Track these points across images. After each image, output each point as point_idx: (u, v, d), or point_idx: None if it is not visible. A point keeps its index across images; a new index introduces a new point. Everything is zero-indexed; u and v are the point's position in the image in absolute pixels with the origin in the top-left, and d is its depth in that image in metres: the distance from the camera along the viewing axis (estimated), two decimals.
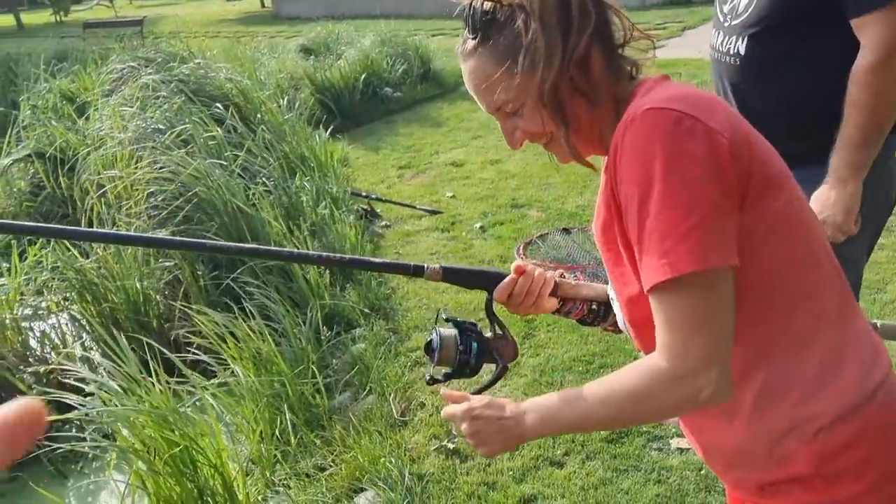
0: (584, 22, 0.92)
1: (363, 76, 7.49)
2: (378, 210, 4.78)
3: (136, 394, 2.25)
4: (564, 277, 1.23)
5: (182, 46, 6.90)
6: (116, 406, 2.26)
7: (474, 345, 1.12)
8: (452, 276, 1.16)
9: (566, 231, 4.20)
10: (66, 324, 3.47)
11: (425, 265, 1.15)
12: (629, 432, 2.44)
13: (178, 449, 2.21)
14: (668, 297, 0.84)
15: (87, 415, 2.31)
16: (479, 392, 1.11)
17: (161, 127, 4.18)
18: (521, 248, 4.07)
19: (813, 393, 0.89)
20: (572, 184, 4.85)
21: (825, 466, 0.88)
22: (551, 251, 3.98)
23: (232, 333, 2.82)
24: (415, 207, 4.75)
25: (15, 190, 5.42)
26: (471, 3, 0.95)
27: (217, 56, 7.21)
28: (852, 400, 0.88)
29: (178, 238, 1.54)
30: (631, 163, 0.84)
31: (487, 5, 0.94)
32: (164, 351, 2.66)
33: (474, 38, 0.96)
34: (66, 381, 2.99)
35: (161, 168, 3.61)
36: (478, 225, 4.42)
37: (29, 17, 28.06)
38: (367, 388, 2.85)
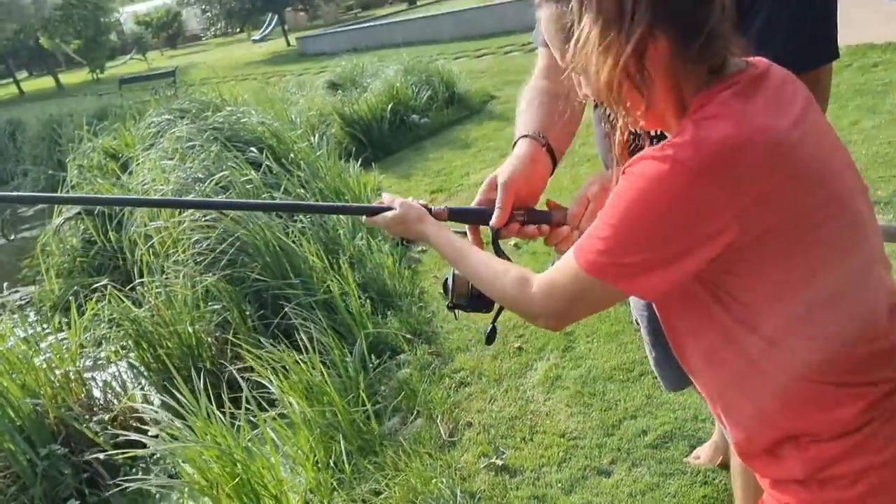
0: (644, 6, 0.86)
1: (390, 106, 7.65)
2: None
3: (197, 429, 2.37)
4: None
5: (214, 94, 7.16)
6: (180, 443, 2.38)
7: None
8: (456, 216, 1.32)
9: None
10: (126, 371, 3.64)
11: (431, 207, 1.30)
12: (673, 436, 2.48)
13: (240, 482, 2.32)
14: (574, 268, 0.95)
15: (153, 454, 2.44)
16: (492, 322, 1.33)
17: (201, 176, 4.37)
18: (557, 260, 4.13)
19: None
20: None
21: (818, 473, 0.93)
22: None
23: (283, 367, 2.94)
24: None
25: (68, 247, 5.68)
26: None
27: (248, 100, 7.45)
28: (851, 423, 0.92)
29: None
30: (619, 190, 0.90)
31: None
32: (219, 389, 2.79)
33: None
34: (130, 424, 3.15)
35: (204, 216, 3.78)
36: (512, 242, 4.49)
37: (67, 77, 29.21)
38: (415, 411, 2.94)
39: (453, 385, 3.10)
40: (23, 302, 5.69)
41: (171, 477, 2.73)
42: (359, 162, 5.98)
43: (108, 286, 3.72)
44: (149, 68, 25.05)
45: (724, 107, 0.87)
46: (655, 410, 2.64)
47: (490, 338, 1.32)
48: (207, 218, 3.77)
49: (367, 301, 3.61)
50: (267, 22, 28.76)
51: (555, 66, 1.52)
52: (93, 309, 3.77)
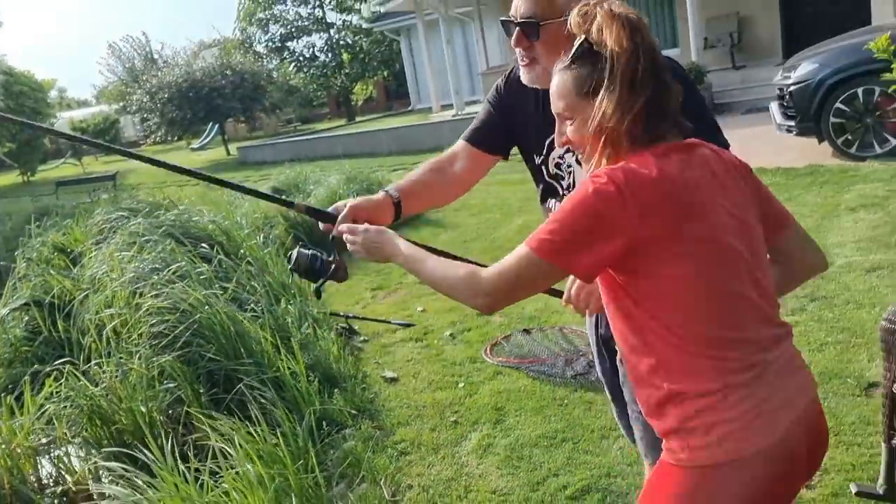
0: (647, 84, 1.27)
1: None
2: (356, 327, 5.23)
3: (166, 483, 2.59)
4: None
5: (162, 196, 7.49)
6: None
7: (318, 262, 2.02)
8: (310, 212, 2.03)
9: (526, 331, 4.69)
10: (81, 447, 3.77)
11: (295, 202, 2.01)
12: (590, 490, 2.84)
13: None
14: (523, 251, 1.33)
15: None
16: (321, 283, 2.03)
17: (157, 266, 4.65)
18: (488, 349, 4.53)
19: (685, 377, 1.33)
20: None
21: (685, 423, 1.32)
22: (515, 349, 4.45)
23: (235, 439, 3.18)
24: (389, 322, 5.22)
25: (11, 338, 5.74)
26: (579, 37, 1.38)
27: (195, 202, 7.79)
28: (708, 386, 1.30)
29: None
30: (573, 194, 1.32)
31: (585, 42, 1.36)
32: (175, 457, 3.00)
33: (568, 60, 1.41)
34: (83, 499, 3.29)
35: (164, 300, 4.06)
36: (448, 333, 4.88)
37: None
38: (361, 476, 3.21)
39: (395, 454, 3.39)
40: None
41: None
42: None
43: (67, 366, 3.90)
44: (83, 172, 25.08)
45: (649, 158, 1.32)
46: (574, 469, 3.01)
47: (318, 293, 2.05)
48: (167, 301, 4.05)
49: (315, 380, 3.90)
50: (207, 131, 29.39)
51: (457, 154, 2.15)
52: (50, 386, 3.93)
